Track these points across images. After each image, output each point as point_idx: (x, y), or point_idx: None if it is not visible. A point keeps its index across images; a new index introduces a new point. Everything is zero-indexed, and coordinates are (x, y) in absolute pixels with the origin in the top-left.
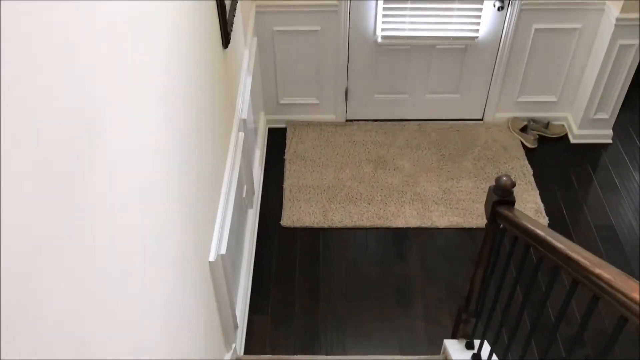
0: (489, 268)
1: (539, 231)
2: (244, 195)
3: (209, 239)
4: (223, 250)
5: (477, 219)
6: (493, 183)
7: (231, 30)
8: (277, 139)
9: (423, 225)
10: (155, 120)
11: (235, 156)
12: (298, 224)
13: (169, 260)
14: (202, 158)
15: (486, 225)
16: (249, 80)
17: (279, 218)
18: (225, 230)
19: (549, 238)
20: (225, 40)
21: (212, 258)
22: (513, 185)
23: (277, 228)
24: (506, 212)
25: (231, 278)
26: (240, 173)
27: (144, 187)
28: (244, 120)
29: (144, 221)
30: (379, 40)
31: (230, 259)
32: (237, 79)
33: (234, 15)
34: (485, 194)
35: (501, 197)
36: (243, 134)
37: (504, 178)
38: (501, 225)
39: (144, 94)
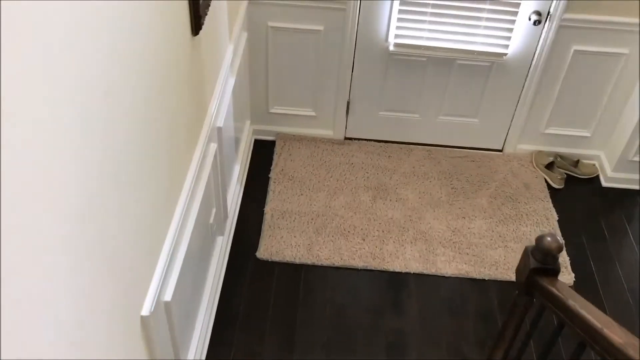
0: (512, 350)
1: (610, 334)
2: (211, 220)
3: (143, 284)
4: (168, 297)
5: (491, 268)
6: (511, 227)
7: (205, 14)
8: (263, 153)
9: (425, 271)
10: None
11: (199, 172)
12: (277, 257)
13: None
14: (141, 173)
15: (516, 296)
16: (232, 81)
17: (255, 248)
18: (175, 270)
19: (631, 352)
20: (195, 25)
21: (146, 311)
22: (560, 248)
23: (252, 260)
24: (550, 288)
25: (181, 326)
26: (207, 193)
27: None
28: (220, 129)
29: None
30: (391, 48)
31: (181, 303)
32: (214, 77)
33: None
34: (502, 239)
35: (542, 263)
36: (216, 145)
37: (548, 238)
38: (534, 299)
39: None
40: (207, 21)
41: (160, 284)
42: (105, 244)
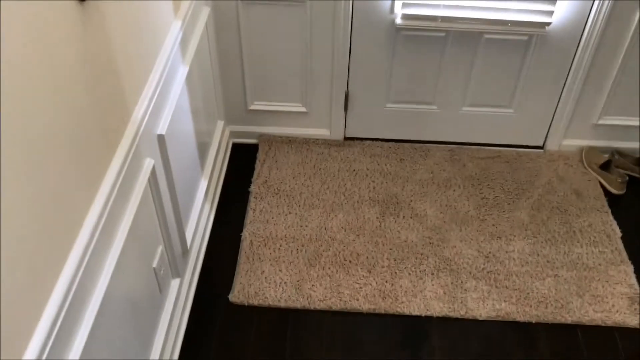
0: None
1: None
2: (154, 263)
3: None
4: None
5: (538, 307)
6: (562, 248)
7: None
8: (242, 161)
9: (452, 314)
10: None
11: (116, 202)
12: (256, 301)
13: None
14: None
15: None
16: (183, 70)
17: (228, 289)
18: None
19: None
20: None
21: None
22: None
23: (223, 306)
24: None
25: None
26: (143, 228)
27: None
28: (162, 137)
29: None
30: (398, 20)
31: None
32: (143, 65)
33: None
34: (550, 265)
35: None
36: (153, 161)
37: None
38: None
39: None
40: None
41: None
42: None
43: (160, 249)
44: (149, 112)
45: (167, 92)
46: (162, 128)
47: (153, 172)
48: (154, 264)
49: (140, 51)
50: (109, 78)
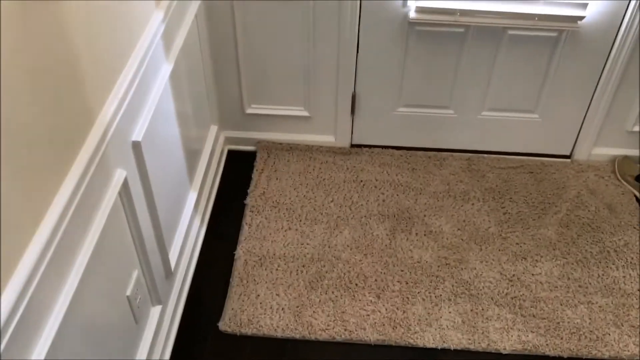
0: None
1: None
2: (128, 291)
3: None
4: None
5: (570, 339)
6: (595, 271)
7: None
8: (238, 170)
9: (472, 346)
10: None
11: (69, 222)
12: (249, 329)
13: None
14: None
15: None
16: (167, 68)
17: (218, 316)
18: None
19: None
20: None
21: None
22: None
23: (212, 335)
24: None
25: None
26: (111, 250)
27: None
28: (138, 145)
29: None
30: (412, 14)
31: None
32: (113, 59)
33: None
34: (583, 290)
35: None
36: (125, 172)
37: None
38: None
39: None
40: None
41: None
42: None
43: (135, 273)
44: (119, 115)
45: (145, 92)
46: (137, 134)
47: (125, 185)
48: (128, 292)
49: (109, 44)
50: (64, 75)
